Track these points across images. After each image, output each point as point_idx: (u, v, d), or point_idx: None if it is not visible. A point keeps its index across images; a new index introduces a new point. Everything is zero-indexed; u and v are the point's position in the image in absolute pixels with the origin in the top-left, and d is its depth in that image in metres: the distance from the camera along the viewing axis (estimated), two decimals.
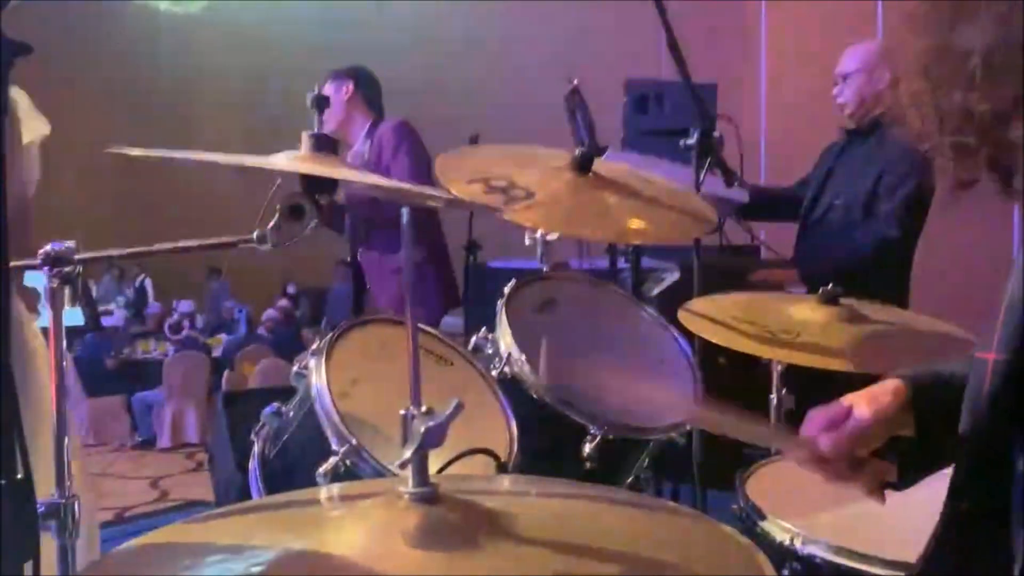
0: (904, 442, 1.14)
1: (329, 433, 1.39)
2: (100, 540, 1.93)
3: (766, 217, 3.63)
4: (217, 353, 8.57)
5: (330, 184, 1.43)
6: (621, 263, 3.05)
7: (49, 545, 1.15)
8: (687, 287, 2.14)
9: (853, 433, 1.11)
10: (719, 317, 1.73)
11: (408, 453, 0.81)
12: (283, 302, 10.05)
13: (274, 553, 0.83)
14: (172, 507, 5.90)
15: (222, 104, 11.49)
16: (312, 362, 1.48)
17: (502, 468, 1.42)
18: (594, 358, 1.78)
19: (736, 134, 2.81)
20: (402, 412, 0.85)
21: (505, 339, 1.65)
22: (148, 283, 11.53)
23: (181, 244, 1.40)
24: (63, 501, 1.20)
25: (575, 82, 2.15)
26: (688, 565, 0.84)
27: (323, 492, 1.18)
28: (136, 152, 1.32)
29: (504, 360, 1.63)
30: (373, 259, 3.78)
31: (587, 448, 1.56)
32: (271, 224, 1.38)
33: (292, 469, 1.49)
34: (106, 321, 9.26)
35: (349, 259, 3.84)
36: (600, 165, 1.85)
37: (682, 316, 1.79)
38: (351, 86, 3.74)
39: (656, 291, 3.06)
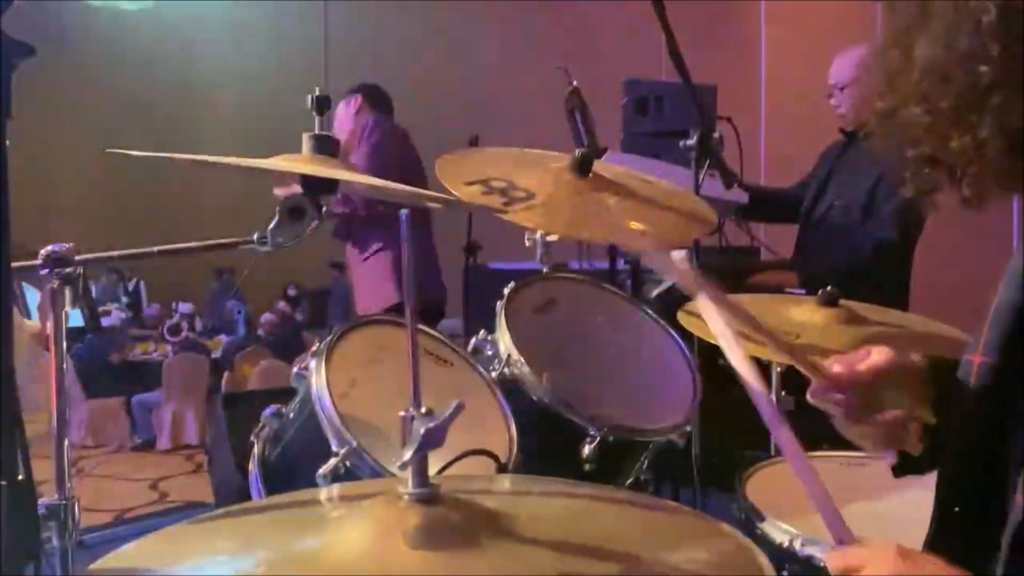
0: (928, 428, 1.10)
1: (329, 434, 1.39)
2: (95, 532, 1.92)
3: (766, 218, 3.64)
4: (217, 354, 8.57)
5: (330, 185, 1.43)
6: (621, 264, 3.05)
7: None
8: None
9: (874, 363, 1.06)
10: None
11: (408, 454, 0.82)
12: (282, 304, 10.05)
13: (274, 554, 0.83)
14: (172, 509, 5.90)
15: (222, 106, 11.49)
16: (312, 363, 1.48)
17: (502, 470, 1.42)
18: (593, 360, 1.78)
19: (736, 135, 2.82)
20: (402, 413, 0.85)
21: (505, 340, 1.65)
22: (142, 286, 11.51)
23: (181, 245, 1.41)
24: (63, 502, 1.20)
25: (575, 83, 2.15)
26: (688, 565, 0.84)
27: (323, 493, 1.19)
28: (136, 154, 1.32)
29: (504, 361, 1.63)
30: (353, 254, 3.89)
31: (586, 450, 1.56)
32: (271, 225, 1.38)
33: (292, 470, 1.49)
34: (104, 322, 9.25)
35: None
36: (600, 166, 1.85)
37: (681, 317, 1.80)
38: (359, 99, 3.93)
39: (656, 292, 3.06)
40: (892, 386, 1.07)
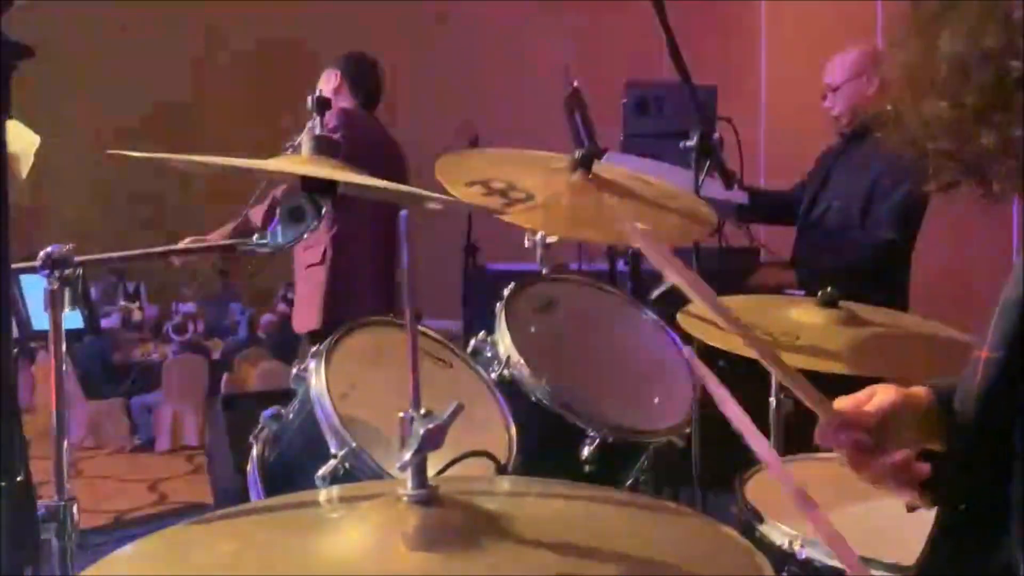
0: (935, 455, 1.08)
1: (328, 436, 1.38)
2: (97, 541, 1.93)
3: (765, 219, 3.64)
4: (216, 356, 8.56)
5: (330, 185, 1.43)
6: (620, 265, 3.05)
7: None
8: None
9: (879, 403, 1.06)
10: (718, 320, 1.73)
11: (408, 455, 0.82)
12: (282, 305, 10.04)
13: (273, 556, 0.83)
14: (171, 510, 5.89)
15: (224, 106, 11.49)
16: (312, 365, 1.48)
17: (501, 471, 1.42)
18: (593, 361, 1.78)
19: (736, 136, 2.82)
20: (401, 415, 0.85)
21: (504, 342, 1.65)
22: (143, 287, 11.52)
23: (181, 246, 1.41)
24: (62, 503, 1.20)
25: (575, 84, 2.15)
26: (688, 565, 0.84)
27: (322, 494, 1.18)
28: (136, 155, 1.32)
29: (503, 363, 1.63)
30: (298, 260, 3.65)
31: (586, 451, 1.56)
32: (271, 227, 1.38)
33: (291, 472, 1.49)
34: (103, 323, 9.25)
35: None
36: (600, 167, 1.85)
37: (681, 319, 1.80)
38: (338, 76, 3.68)
39: (655, 293, 3.06)
40: (899, 425, 1.06)
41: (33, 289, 1.83)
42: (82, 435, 7.50)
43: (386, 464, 1.34)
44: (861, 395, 1.08)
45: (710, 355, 1.81)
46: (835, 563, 1.31)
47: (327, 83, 3.68)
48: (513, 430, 1.54)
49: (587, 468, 1.56)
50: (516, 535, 0.81)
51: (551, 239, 1.88)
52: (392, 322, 1.69)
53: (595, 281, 2.02)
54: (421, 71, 9.02)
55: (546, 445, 1.60)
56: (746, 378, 1.99)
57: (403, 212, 0.85)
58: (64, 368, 1.26)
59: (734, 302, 1.90)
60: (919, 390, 1.10)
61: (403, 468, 0.82)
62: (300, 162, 1.45)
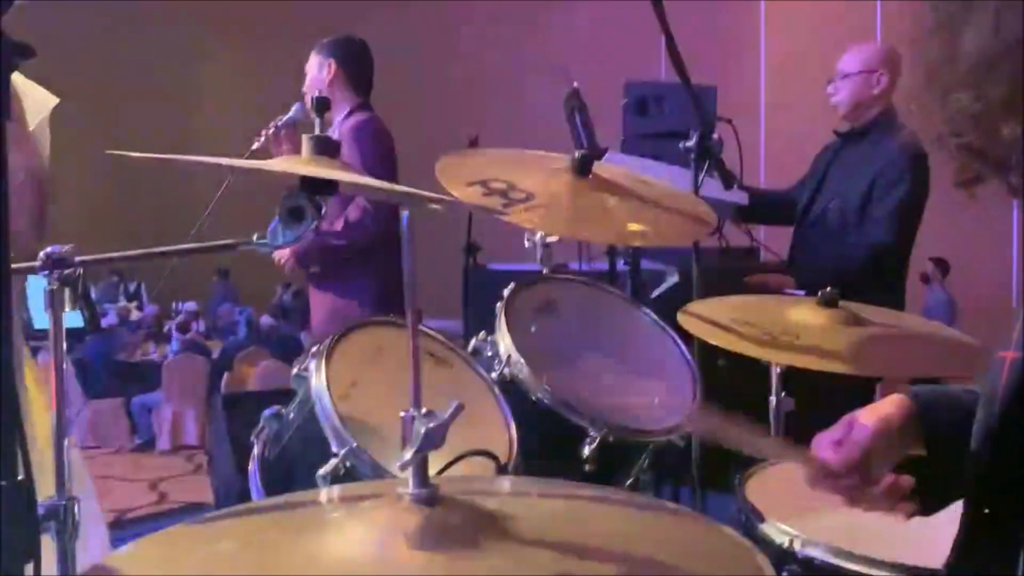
0: (919, 462, 1.12)
1: (329, 435, 1.39)
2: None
3: (765, 220, 3.64)
4: (216, 355, 8.57)
5: (330, 186, 1.43)
6: (620, 265, 3.05)
7: (48, 546, 1.15)
8: (686, 289, 2.14)
9: (858, 442, 1.09)
10: (718, 319, 1.73)
11: (408, 455, 0.82)
12: (282, 304, 10.05)
13: (274, 555, 0.83)
14: (171, 510, 5.90)
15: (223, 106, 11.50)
16: (312, 364, 1.48)
17: (502, 470, 1.42)
18: (593, 360, 1.78)
19: (735, 136, 2.82)
20: (402, 414, 0.85)
21: (504, 341, 1.65)
22: (143, 287, 11.53)
23: (181, 246, 1.41)
24: (63, 503, 1.20)
25: (575, 84, 2.15)
26: (688, 565, 0.84)
27: (323, 494, 1.19)
28: (136, 155, 1.32)
29: (504, 362, 1.63)
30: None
31: (586, 450, 1.56)
32: (271, 226, 1.38)
33: (292, 471, 1.49)
34: (103, 322, 9.26)
35: None
36: (600, 167, 1.85)
37: (681, 318, 1.80)
38: (333, 66, 3.42)
39: (655, 293, 3.06)
40: (879, 452, 1.10)
41: (34, 289, 1.83)
42: (82, 435, 7.50)
43: (387, 463, 1.34)
44: (837, 433, 1.12)
45: (710, 354, 1.82)
46: (835, 562, 1.32)
47: (319, 71, 3.45)
48: (513, 430, 1.54)
49: (587, 468, 1.56)
50: (517, 534, 0.81)
51: (551, 239, 1.88)
52: (392, 322, 1.69)
53: (595, 281, 2.02)
54: (421, 71, 9.03)
55: (546, 445, 1.60)
56: (745, 378, 2.00)
57: (404, 213, 0.85)
58: (64, 368, 1.26)
59: (734, 302, 1.90)
60: (892, 406, 1.13)
61: (404, 467, 0.82)
62: (300, 162, 1.44)
